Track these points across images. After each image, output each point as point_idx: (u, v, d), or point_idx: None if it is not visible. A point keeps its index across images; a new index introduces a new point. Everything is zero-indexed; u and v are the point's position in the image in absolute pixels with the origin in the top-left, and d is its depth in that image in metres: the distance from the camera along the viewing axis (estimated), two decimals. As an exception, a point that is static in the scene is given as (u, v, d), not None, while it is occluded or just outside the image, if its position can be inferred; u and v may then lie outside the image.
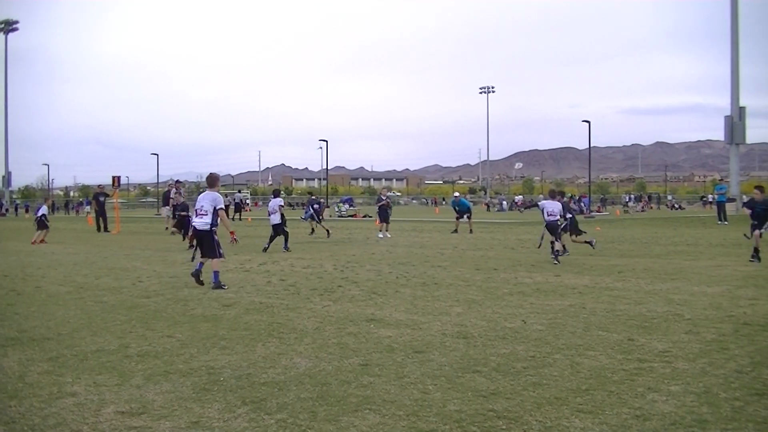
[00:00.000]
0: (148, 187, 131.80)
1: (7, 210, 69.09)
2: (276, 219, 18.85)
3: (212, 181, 11.65)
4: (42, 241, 22.91)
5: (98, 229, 30.53)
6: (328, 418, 4.56)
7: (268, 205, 20.81)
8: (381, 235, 24.37)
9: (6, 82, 75.47)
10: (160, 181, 78.98)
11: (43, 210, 24.31)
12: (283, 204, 19.73)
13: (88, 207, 53.31)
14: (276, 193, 20.46)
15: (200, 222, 11.02)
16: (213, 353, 6.55)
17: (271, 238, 18.78)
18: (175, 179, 32.66)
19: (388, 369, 5.91)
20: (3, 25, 72.59)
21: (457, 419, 4.54)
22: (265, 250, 18.18)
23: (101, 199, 31.95)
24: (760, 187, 15.17)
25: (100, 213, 31.31)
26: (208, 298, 10.10)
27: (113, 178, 33.37)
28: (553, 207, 15.52)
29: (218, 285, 10.78)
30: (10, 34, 73.63)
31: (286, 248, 18.53)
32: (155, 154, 72.61)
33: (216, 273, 10.91)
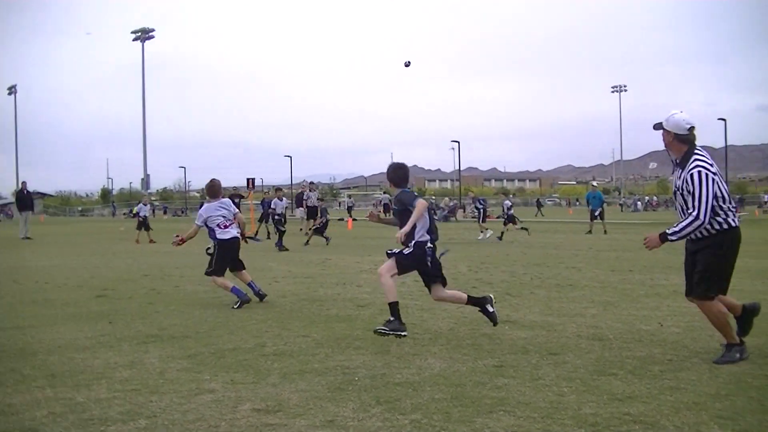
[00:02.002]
0: (283, 189, 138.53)
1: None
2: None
3: (215, 191, 11.02)
4: (151, 241, 25.58)
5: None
6: (462, 420, 5.00)
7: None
8: (481, 237, 26.14)
9: (143, 88, 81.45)
10: (293, 182, 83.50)
11: (144, 211, 27.14)
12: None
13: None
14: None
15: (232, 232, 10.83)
16: (348, 353, 7.22)
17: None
18: (309, 181, 34.92)
19: (523, 371, 6.35)
20: (140, 33, 79.70)
21: (592, 423, 4.88)
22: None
23: (236, 201, 34.26)
24: None
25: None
26: (343, 299, 11.03)
27: (248, 180, 35.98)
28: None
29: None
30: (147, 42, 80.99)
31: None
32: (288, 156, 76.19)
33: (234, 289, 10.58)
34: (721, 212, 6.34)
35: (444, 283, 8.03)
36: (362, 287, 12.43)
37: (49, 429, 4.96)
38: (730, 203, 6.46)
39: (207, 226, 10.76)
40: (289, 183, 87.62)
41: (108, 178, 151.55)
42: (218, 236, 10.61)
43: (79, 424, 5.06)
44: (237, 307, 10.07)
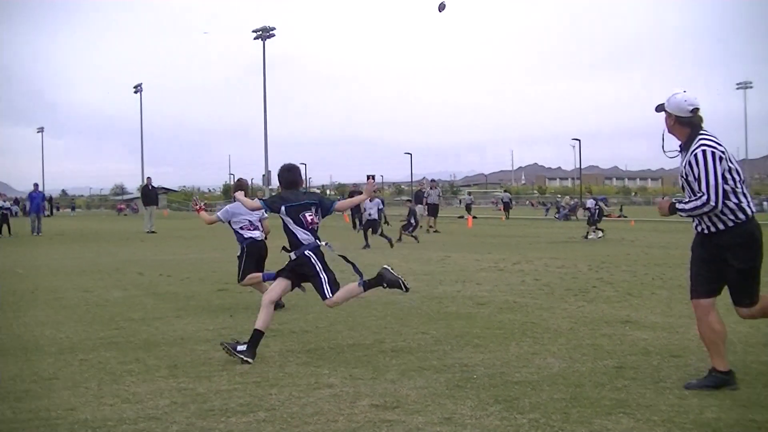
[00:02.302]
0: (402, 186, 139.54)
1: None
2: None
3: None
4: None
5: (354, 226, 33.36)
6: (581, 420, 4.96)
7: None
8: (591, 236, 25.86)
9: (264, 86, 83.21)
10: (413, 180, 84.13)
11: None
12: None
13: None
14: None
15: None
16: (466, 351, 7.25)
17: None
18: (430, 178, 35.28)
19: (644, 372, 6.26)
20: (261, 32, 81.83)
21: (715, 428, 4.77)
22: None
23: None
24: None
25: (356, 211, 34.30)
26: (462, 296, 11.05)
27: (368, 176, 36.56)
28: None
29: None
30: (268, 40, 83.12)
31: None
32: (408, 153, 76.56)
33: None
34: (733, 197, 5.65)
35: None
36: (481, 285, 12.40)
37: (171, 418, 5.16)
38: (744, 189, 5.75)
39: (231, 226, 10.60)
40: (409, 180, 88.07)
41: (230, 174, 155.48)
42: (245, 236, 10.43)
43: (200, 414, 5.25)
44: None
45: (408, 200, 30.92)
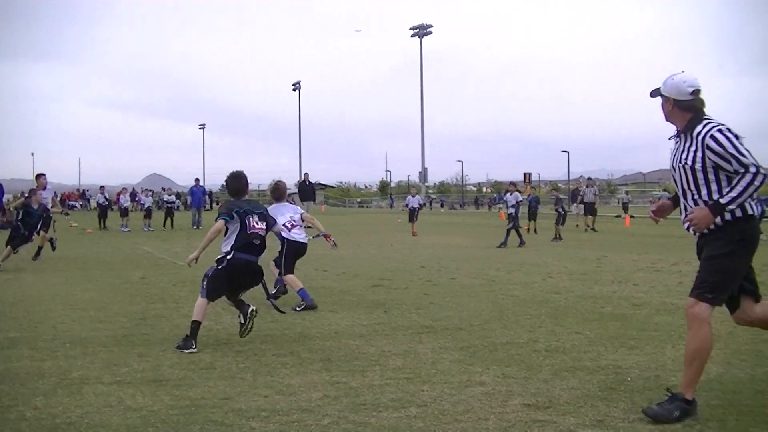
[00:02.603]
0: (559, 184, 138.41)
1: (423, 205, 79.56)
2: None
3: (280, 193, 11.00)
4: (413, 233, 27.35)
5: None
6: (737, 429, 4.82)
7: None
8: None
9: (422, 83, 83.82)
10: (570, 178, 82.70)
11: (415, 202, 28.56)
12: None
13: (500, 203, 58.50)
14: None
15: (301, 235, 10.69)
16: (621, 352, 7.13)
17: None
18: (587, 177, 35.11)
19: (809, 381, 5.94)
20: (418, 30, 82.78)
21: None
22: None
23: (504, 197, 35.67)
24: None
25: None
26: (618, 297, 10.87)
27: (525, 174, 36.84)
28: None
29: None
30: (425, 37, 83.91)
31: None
32: (566, 151, 75.47)
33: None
34: None
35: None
36: (638, 286, 12.17)
37: (323, 411, 5.29)
38: None
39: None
40: (566, 179, 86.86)
41: (386, 170, 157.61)
42: (285, 236, 10.42)
43: (352, 408, 5.35)
44: (300, 310, 9.92)
45: (554, 189, 30.61)
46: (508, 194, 24.25)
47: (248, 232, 7.85)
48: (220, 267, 7.82)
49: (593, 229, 30.62)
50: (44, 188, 16.89)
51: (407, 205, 29.57)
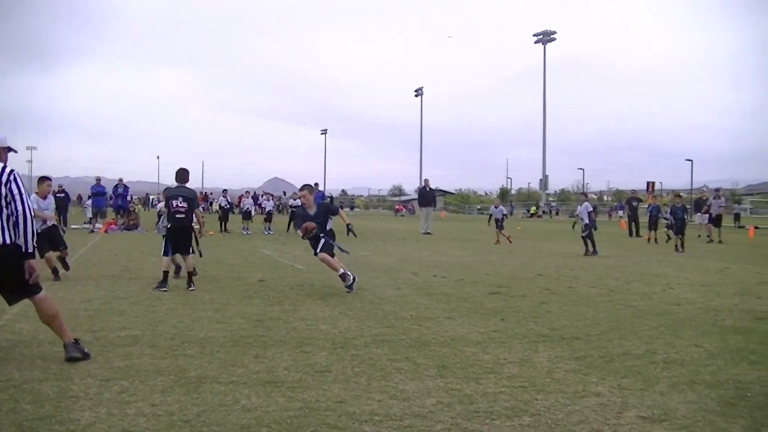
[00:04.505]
0: (682, 194, 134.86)
1: (544, 212, 79.05)
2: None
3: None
4: (509, 239, 27.41)
5: (630, 233, 34.10)
6: None
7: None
8: None
9: (544, 90, 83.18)
10: (693, 187, 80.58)
11: (497, 213, 28.67)
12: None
13: (621, 211, 57.62)
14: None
15: None
16: (741, 367, 6.95)
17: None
18: (711, 187, 34.78)
19: None
20: (542, 36, 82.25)
21: None
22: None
23: (634, 204, 35.75)
24: None
25: (632, 218, 34.87)
26: (740, 310, 10.60)
27: (648, 183, 36.38)
28: None
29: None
30: (548, 44, 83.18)
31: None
32: (689, 159, 73.47)
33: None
34: None
35: None
36: (762, 299, 11.86)
37: (436, 417, 5.32)
38: None
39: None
40: (689, 187, 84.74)
41: (507, 177, 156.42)
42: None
43: (465, 415, 5.37)
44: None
45: (677, 196, 29.93)
46: (579, 205, 23.97)
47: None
48: None
49: (719, 241, 29.77)
50: (44, 197, 14.11)
51: (491, 216, 29.88)
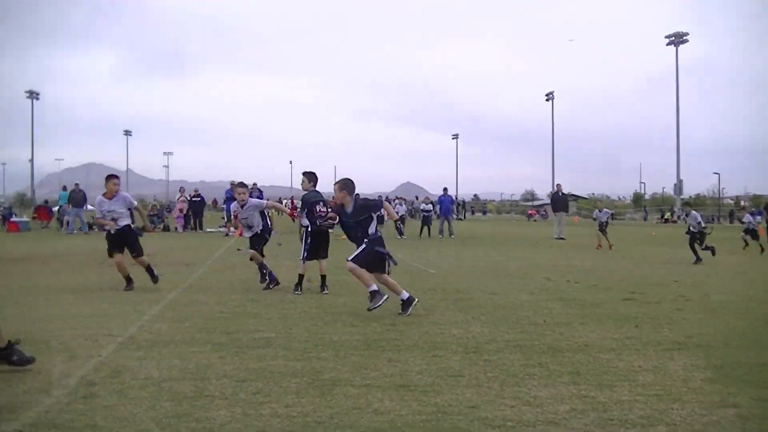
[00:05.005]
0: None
1: (678, 217, 76.75)
2: None
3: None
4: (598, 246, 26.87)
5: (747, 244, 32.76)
6: None
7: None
8: None
9: (677, 93, 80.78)
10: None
11: (603, 216, 28.04)
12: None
13: (759, 217, 55.84)
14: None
15: None
16: None
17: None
18: None
19: None
20: (674, 38, 79.95)
21: None
22: None
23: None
24: None
25: None
26: None
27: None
28: None
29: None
30: (681, 46, 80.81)
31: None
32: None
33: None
34: None
35: None
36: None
37: (569, 424, 5.22)
38: None
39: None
40: None
41: (640, 182, 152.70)
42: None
43: (599, 423, 5.25)
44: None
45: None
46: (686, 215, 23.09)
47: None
48: None
49: None
50: (111, 198, 13.03)
51: (595, 219, 29.46)
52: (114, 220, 12.84)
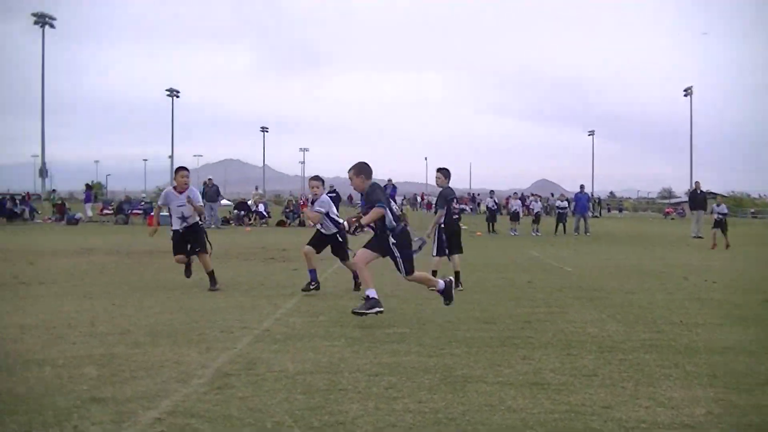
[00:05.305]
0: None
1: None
2: None
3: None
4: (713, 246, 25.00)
5: None
6: None
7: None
8: None
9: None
10: None
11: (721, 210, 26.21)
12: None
13: None
14: None
15: None
16: None
17: None
18: None
19: None
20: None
21: None
22: None
23: None
24: None
25: None
26: None
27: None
28: None
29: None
30: None
31: None
32: None
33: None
34: None
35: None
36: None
37: (705, 428, 5.07)
38: None
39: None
40: None
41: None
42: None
43: (737, 428, 5.10)
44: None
45: None
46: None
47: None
48: None
49: None
50: (182, 191, 12.22)
51: (712, 213, 27.46)
52: (184, 218, 12.17)
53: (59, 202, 46.48)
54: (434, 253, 12.55)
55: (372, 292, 8.95)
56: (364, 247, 9.40)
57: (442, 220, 12.50)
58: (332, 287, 12.49)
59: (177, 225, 12.19)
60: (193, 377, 6.27)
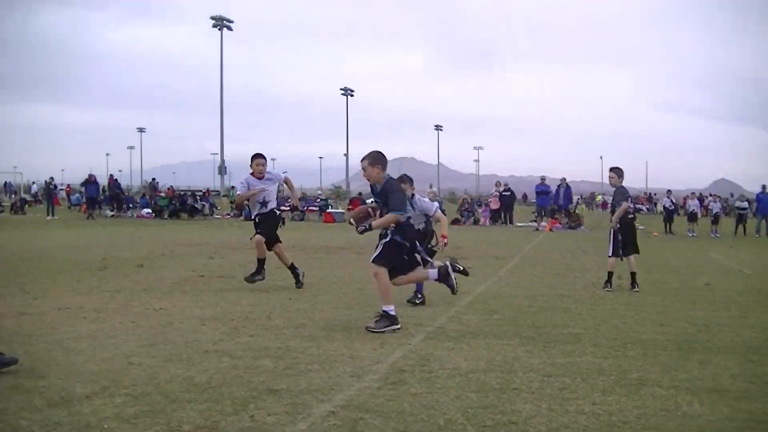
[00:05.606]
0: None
1: None
2: None
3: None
4: None
5: None
6: None
7: None
8: None
9: None
10: None
11: None
12: None
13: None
14: None
15: None
16: None
17: None
18: None
19: None
20: None
21: None
22: None
23: None
24: None
25: None
26: None
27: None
28: None
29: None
30: None
31: None
32: None
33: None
34: None
35: None
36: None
37: None
38: None
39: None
40: None
41: None
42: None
43: None
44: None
45: None
46: None
47: None
48: None
49: None
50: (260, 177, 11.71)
51: None
52: (265, 202, 11.63)
53: (237, 198, 47.88)
54: (610, 253, 12.25)
55: (390, 309, 8.32)
56: (376, 262, 8.47)
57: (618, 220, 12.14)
58: (506, 285, 12.42)
59: (256, 210, 11.74)
60: (367, 372, 6.35)
